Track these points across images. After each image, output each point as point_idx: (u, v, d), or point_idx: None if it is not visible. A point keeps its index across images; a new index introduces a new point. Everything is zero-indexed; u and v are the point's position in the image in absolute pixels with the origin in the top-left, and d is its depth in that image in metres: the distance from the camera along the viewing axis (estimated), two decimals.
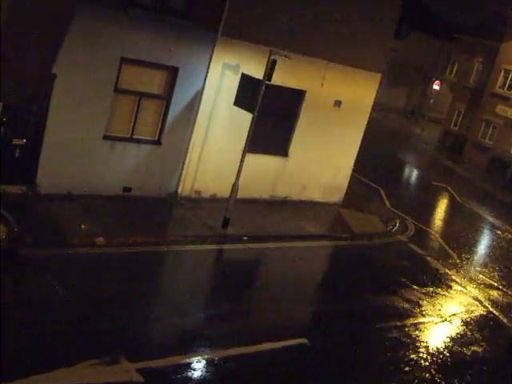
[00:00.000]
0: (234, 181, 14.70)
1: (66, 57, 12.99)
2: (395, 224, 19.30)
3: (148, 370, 8.97)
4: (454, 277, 16.42)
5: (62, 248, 11.77)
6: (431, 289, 15.10)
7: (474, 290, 15.85)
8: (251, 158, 15.32)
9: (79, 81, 13.34)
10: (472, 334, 13.29)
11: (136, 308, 10.63)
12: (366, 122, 19.17)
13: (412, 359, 11.49)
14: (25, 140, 13.23)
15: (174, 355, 9.51)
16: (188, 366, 9.39)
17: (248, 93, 14.51)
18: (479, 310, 14.70)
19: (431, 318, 13.53)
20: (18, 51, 12.85)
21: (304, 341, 11.04)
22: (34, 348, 8.77)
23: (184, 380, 9.14)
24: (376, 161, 27.55)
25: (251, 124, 14.38)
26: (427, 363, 11.49)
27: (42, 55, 13.07)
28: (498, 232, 22.59)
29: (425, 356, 11.72)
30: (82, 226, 12.67)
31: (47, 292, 10.23)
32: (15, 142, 13.15)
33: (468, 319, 14.06)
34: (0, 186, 12.18)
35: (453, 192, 26.71)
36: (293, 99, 17.30)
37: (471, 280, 16.57)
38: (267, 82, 14.21)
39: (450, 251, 18.46)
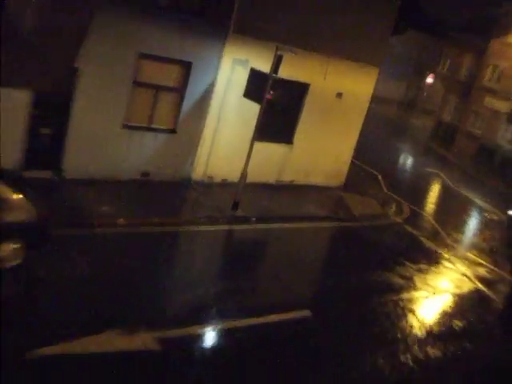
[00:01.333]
0: (243, 167, 14.64)
1: (88, 52, 12.93)
2: (392, 207, 19.24)
3: (164, 338, 9.01)
4: (445, 255, 16.36)
5: (86, 228, 11.80)
6: (424, 266, 15.05)
7: (462, 267, 15.79)
8: (259, 146, 15.24)
9: (101, 74, 13.29)
10: (460, 307, 13.26)
11: (153, 283, 10.65)
12: (365, 113, 19.03)
13: (405, 329, 11.47)
14: (51, 130, 13.23)
15: (187, 326, 9.54)
16: (200, 336, 9.44)
17: (256, 86, 14.44)
18: (467, 286, 14.65)
19: (423, 293, 13.50)
20: (43, 46, 12.76)
21: (307, 313, 11.04)
22: (60, 318, 8.81)
23: (197, 348, 9.20)
24: (374, 149, 27.39)
25: (259, 114, 14.28)
26: (419, 333, 11.47)
27: (66, 50, 12.98)
28: (486, 214, 22.46)
29: (417, 327, 11.70)
30: (104, 208, 12.66)
31: (73, 268, 10.26)
32: (43, 131, 13.16)
33: (457, 293, 14.04)
34: (30, 171, 12.19)
35: (444, 177, 26.57)
36: (298, 91, 17.17)
37: (461, 258, 16.50)
38: (274, 76, 14.10)
39: (441, 232, 18.38)
